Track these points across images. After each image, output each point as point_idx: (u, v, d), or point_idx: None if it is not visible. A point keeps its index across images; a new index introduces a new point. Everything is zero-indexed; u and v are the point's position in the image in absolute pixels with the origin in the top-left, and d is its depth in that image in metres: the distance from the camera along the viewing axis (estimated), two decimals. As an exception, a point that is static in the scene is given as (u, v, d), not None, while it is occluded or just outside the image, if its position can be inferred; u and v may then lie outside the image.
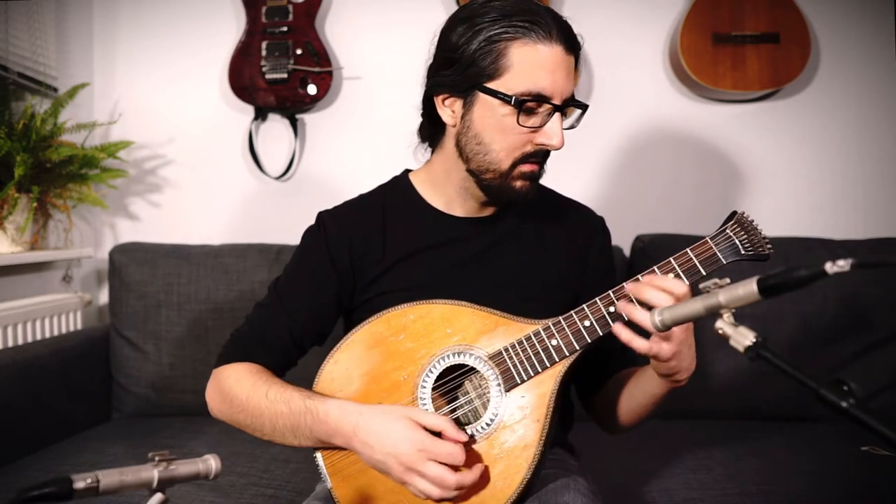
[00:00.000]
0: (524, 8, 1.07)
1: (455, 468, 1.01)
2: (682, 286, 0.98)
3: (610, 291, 1.08)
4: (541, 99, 1.07)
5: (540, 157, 1.13)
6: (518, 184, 1.13)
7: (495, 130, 1.10)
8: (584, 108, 1.14)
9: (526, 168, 1.12)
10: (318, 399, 1.09)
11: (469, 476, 1.02)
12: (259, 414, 1.12)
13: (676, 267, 1.06)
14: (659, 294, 0.97)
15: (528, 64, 1.06)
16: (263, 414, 1.12)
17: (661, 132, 2.27)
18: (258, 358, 1.19)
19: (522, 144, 1.10)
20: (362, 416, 1.05)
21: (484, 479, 1.05)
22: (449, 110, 1.15)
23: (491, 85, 1.08)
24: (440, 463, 1.00)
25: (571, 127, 1.15)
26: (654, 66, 2.26)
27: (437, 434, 1.03)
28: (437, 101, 1.15)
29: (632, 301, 1.03)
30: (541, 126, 1.09)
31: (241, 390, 1.14)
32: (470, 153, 1.13)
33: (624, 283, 1.08)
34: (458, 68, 1.09)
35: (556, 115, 1.09)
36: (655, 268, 1.07)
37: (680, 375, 1.06)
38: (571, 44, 1.09)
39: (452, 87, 1.12)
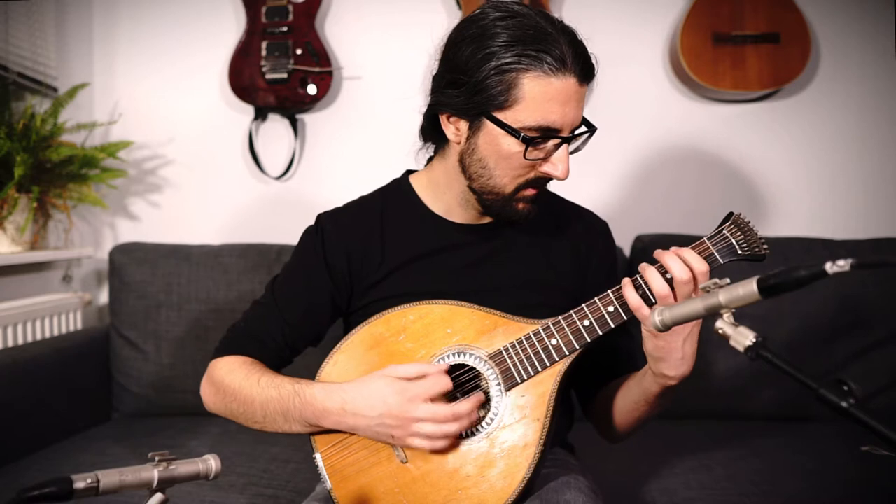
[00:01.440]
0: (538, 32, 1.02)
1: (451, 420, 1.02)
2: (703, 264, 1.00)
3: (609, 291, 1.08)
4: (549, 133, 1.05)
5: (543, 182, 1.13)
6: (520, 206, 1.13)
7: (500, 158, 1.08)
8: (593, 130, 1.11)
9: (529, 192, 1.12)
10: (305, 383, 1.11)
11: (464, 404, 1.04)
12: (251, 401, 1.13)
13: None
14: (678, 263, 0.99)
15: (540, 98, 1.02)
16: (255, 400, 1.12)
17: (662, 132, 2.27)
18: (252, 354, 1.20)
19: (527, 172, 1.09)
20: (346, 392, 1.07)
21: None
22: (454, 128, 1.12)
23: (499, 115, 1.04)
24: (432, 401, 1.03)
25: (577, 150, 1.13)
26: (654, 66, 2.26)
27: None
28: (442, 118, 1.12)
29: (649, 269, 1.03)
30: (546, 157, 1.07)
31: (234, 380, 1.15)
32: (473, 174, 1.12)
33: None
34: (465, 91, 1.06)
35: (563, 146, 1.07)
36: (654, 267, 1.07)
37: (672, 370, 1.04)
38: (586, 72, 1.05)
39: (459, 109, 1.08)
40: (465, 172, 1.13)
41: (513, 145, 1.05)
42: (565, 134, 1.06)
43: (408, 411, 1.02)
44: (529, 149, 1.05)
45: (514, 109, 1.04)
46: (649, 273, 1.02)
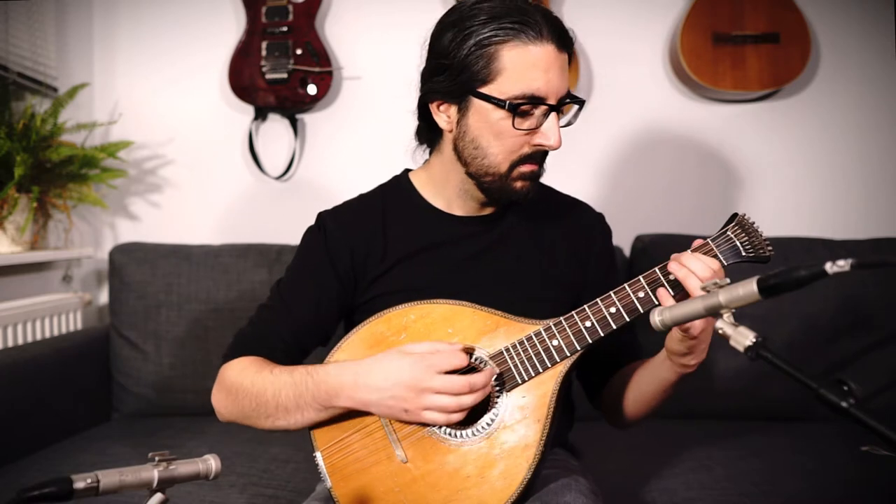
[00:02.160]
0: (513, 8, 1.06)
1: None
2: (715, 262, 1.01)
3: (611, 292, 1.08)
4: (535, 100, 1.06)
5: (539, 157, 1.13)
6: (518, 185, 1.13)
7: (491, 135, 1.09)
8: (581, 103, 1.13)
9: (525, 169, 1.12)
10: (318, 366, 1.11)
11: (480, 376, 1.03)
12: (262, 392, 1.11)
13: None
14: (697, 262, 1.00)
15: (521, 66, 1.05)
16: (267, 390, 1.11)
17: (662, 132, 2.27)
18: (262, 356, 1.19)
19: (520, 147, 1.10)
20: (360, 365, 1.07)
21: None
22: (444, 116, 1.14)
23: (484, 90, 1.07)
24: (445, 375, 1.02)
25: (568, 124, 1.15)
26: (654, 65, 2.26)
27: None
28: (432, 107, 1.15)
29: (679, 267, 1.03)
30: (537, 127, 1.09)
31: (246, 376, 1.14)
32: (468, 157, 1.13)
33: (625, 284, 1.08)
34: (450, 74, 1.08)
35: (552, 115, 1.08)
36: (657, 269, 1.07)
37: (693, 359, 1.06)
38: (563, 41, 1.08)
39: (446, 94, 1.11)
40: (460, 159, 1.15)
41: (502, 118, 1.07)
42: (551, 101, 1.07)
43: (423, 381, 1.01)
44: (517, 119, 1.06)
45: (497, 82, 1.06)
46: (690, 281, 1.01)
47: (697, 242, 1.08)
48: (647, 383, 1.17)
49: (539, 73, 1.05)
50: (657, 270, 1.07)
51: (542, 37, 1.05)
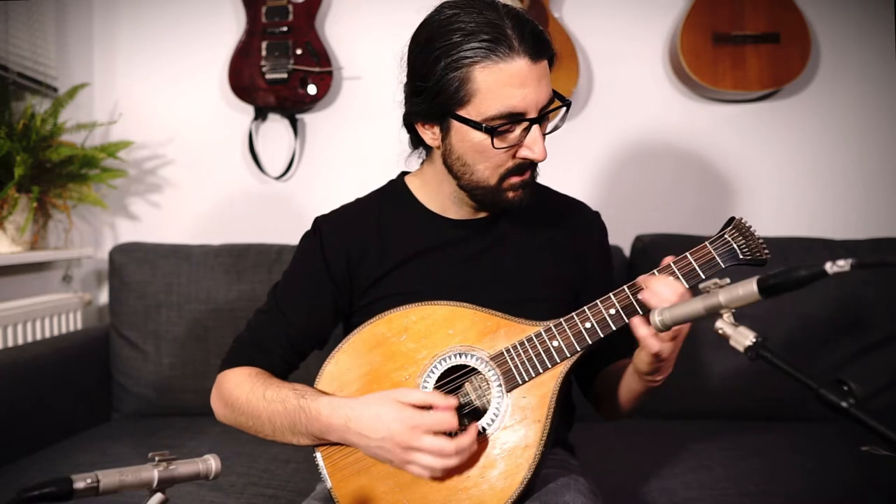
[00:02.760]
0: (482, 23, 1.02)
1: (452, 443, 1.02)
2: (680, 285, 1.02)
3: (611, 294, 1.08)
4: (514, 117, 1.04)
5: (528, 166, 1.12)
6: (510, 195, 1.13)
7: (476, 152, 1.08)
8: (568, 105, 1.10)
9: (515, 180, 1.12)
10: (310, 397, 1.10)
11: (466, 438, 1.03)
12: (258, 415, 1.14)
13: (676, 271, 1.07)
14: (666, 290, 1.01)
15: (495, 85, 1.02)
16: (262, 415, 1.13)
17: (661, 132, 2.27)
18: (259, 364, 1.21)
19: (504, 162, 1.09)
20: (352, 409, 1.07)
21: (489, 445, 1.06)
22: (430, 133, 1.14)
23: (461, 112, 1.05)
24: (435, 434, 1.02)
25: (556, 128, 1.14)
26: (654, 65, 2.26)
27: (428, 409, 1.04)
28: (417, 125, 1.14)
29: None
30: (520, 143, 1.08)
31: (241, 393, 1.15)
32: (457, 172, 1.13)
33: (625, 286, 1.08)
34: (427, 97, 1.07)
35: (535, 128, 1.06)
36: (655, 271, 1.08)
37: (660, 375, 1.09)
38: (538, 49, 1.04)
39: (426, 115, 1.10)
40: (450, 172, 1.15)
41: (482, 138, 1.06)
42: (532, 115, 1.05)
43: (410, 441, 1.02)
44: (496, 139, 1.05)
45: (473, 103, 1.04)
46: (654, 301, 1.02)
47: (665, 261, 1.08)
48: (623, 389, 1.19)
49: (514, 90, 1.03)
50: (655, 272, 1.07)
51: (513, 51, 1.02)
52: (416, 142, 1.21)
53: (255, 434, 1.17)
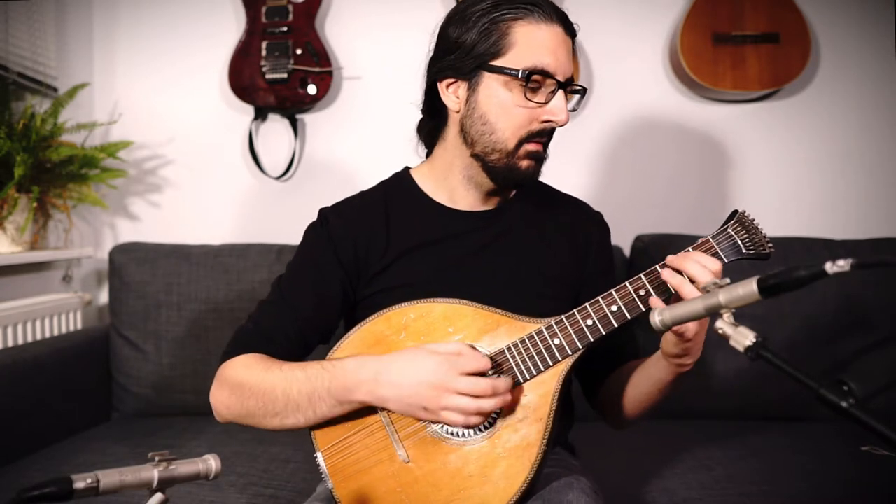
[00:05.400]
0: None
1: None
2: (716, 263, 1.00)
3: (612, 290, 1.08)
4: (545, 74, 1.09)
5: (545, 136, 1.14)
6: (524, 163, 1.14)
7: (501, 109, 1.11)
8: (583, 92, 1.18)
9: (531, 147, 1.13)
10: (333, 360, 1.10)
11: (502, 381, 1.03)
12: (271, 389, 1.09)
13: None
14: (696, 266, 0.99)
15: (532, 41, 1.09)
16: (277, 387, 1.08)
17: (662, 132, 2.27)
18: (264, 353, 1.16)
19: (528, 122, 1.11)
20: (381, 362, 1.06)
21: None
22: (453, 96, 1.16)
23: (496, 62, 1.10)
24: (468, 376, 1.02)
25: (572, 110, 1.17)
26: (654, 65, 2.26)
27: None
28: (441, 87, 1.16)
29: (675, 273, 1.03)
30: (545, 103, 1.11)
31: (252, 374, 1.11)
32: (476, 135, 1.14)
33: (626, 283, 1.08)
34: (461, 52, 1.12)
35: (560, 93, 1.11)
36: (657, 266, 1.07)
37: (689, 359, 1.07)
38: (569, 28, 1.13)
39: (457, 71, 1.13)
40: (466, 139, 1.16)
41: (513, 90, 1.10)
42: (560, 78, 1.11)
43: (447, 381, 1.01)
44: (529, 91, 1.09)
45: (509, 56, 1.09)
46: (685, 287, 1.00)
47: (701, 241, 1.08)
48: (644, 384, 1.17)
49: (549, 51, 1.09)
50: (658, 268, 1.07)
51: (552, 19, 1.10)
52: (429, 124, 1.23)
53: (261, 420, 1.11)
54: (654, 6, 2.24)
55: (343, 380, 1.05)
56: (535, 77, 1.09)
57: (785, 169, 2.24)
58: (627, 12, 2.25)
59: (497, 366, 1.09)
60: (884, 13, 2.21)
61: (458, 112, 1.16)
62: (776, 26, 2.09)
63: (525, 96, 1.09)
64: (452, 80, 1.15)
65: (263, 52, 2.18)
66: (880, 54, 2.21)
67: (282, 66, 2.17)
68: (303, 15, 2.20)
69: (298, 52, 2.18)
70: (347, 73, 2.29)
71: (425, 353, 1.04)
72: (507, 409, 1.08)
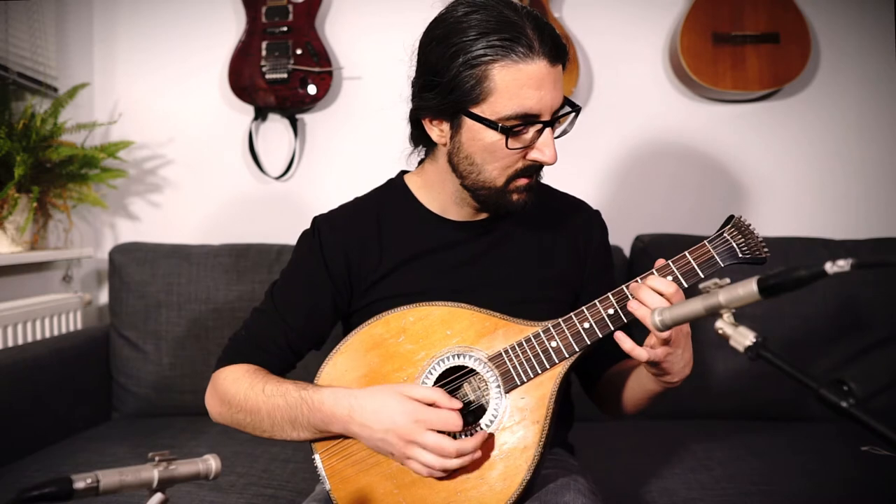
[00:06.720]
0: (502, 21, 1.02)
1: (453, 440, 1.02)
2: (670, 286, 1.01)
3: (609, 294, 1.08)
4: (529, 119, 1.04)
5: (535, 169, 1.12)
6: (515, 197, 1.13)
7: (486, 152, 1.07)
8: (578, 110, 1.11)
9: (521, 182, 1.11)
10: (312, 389, 1.10)
11: (469, 443, 1.02)
12: (257, 410, 1.12)
13: (675, 270, 1.06)
14: (649, 293, 1.01)
15: (513, 85, 1.01)
16: (261, 410, 1.12)
17: (661, 132, 2.27)
18: (256, 362, 1.19)
19: (515, 162, 1.09)
20: (356, 398, 1.06)
21: (487, 447, 1.05)
22: (437, 130, 1.12)
23: (476, 110, 1.04)
24: (437, 432, 1.01)
25: (564, 132, 1.14)
26: (654, 66, 2.26)
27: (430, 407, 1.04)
28: (425, 121, 1.13)
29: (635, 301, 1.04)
30: (532, 144, 1.07)
31: (239, 389, 1.14)
32: (463, 172, 1.12)
33: (623, 286, 1.08)
34: (439, 92, 1.06)
35: (547, 131, 1.06)
36: (654, 270, 1.07)
37: (671, 378, 1.08)
38: (556, 53, 1.04)
39: (437, 111, 1.08)
40: (455, 171, 1.13)
41: (495, 138, 1.05)
42: (546, 118, 1.05)
43: (414, 435, 1.01)
44: (510, 139, 1.04)
45: (489, 102, 1.03)
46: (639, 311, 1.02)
47: (658, 263, 1.08)
48: (636, 389, 1.18)
49: (531, 92, 1.02)
50: (654, 272, 1.07)
51: (533, 52, 1.01)
52: (419, 139, 1.20)
53: (251, 431, 1.16)
54: (654, 6, 2.24)
55: (320, 413, 1.08)
56: (516, 127, 1.03)
57: (784, 169, 2.24)
58: (627, 13, 2.25)
59: (473, 404, 1.10)
60: (884, 13, 2.21)
61: (444, 146, 1.13)
62: (776, 26, 2.09)
63: (507, 145, 1.04)
64: (434, 118, 1.10)
65: (263, 52, 2.18)
66: (880, 54, 2.21)
67: (282, 66, 2.17)
68: (303, 15, 2.20)
69: (298, 52, 2.18)
70: (347, 73, 2.29)
71: (398, 399, 1.04)
72: (505, 412, 1.07)
